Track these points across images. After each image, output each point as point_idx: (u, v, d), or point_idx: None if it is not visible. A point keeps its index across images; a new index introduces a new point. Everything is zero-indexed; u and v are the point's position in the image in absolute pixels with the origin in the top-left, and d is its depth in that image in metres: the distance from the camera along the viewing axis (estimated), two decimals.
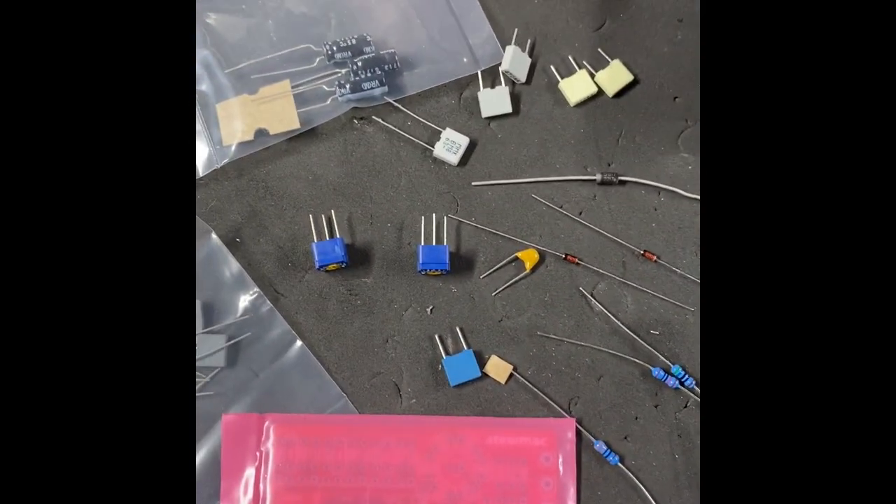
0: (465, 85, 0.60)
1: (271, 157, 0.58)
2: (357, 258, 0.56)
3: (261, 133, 0.57)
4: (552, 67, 0.60)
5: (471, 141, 0.58)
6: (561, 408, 0.54)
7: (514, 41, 0.59)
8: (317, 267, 0.55)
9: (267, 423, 0.53)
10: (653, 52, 0.61)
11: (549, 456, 0.53)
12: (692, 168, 0.58)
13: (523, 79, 0.60)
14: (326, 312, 0.56)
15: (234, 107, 0.57)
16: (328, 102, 0.58)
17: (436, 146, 0.57)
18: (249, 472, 0.52)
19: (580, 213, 0.57)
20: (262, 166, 0.58)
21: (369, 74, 0.57)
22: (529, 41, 0.60)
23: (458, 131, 0.58)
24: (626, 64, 0.60)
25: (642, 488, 0.53)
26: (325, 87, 0.58)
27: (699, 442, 0.54)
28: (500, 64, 0.59)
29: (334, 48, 0.58)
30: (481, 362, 0.55)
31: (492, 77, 0.59)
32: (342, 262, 0.55)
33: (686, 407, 0.54)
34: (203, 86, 0.58)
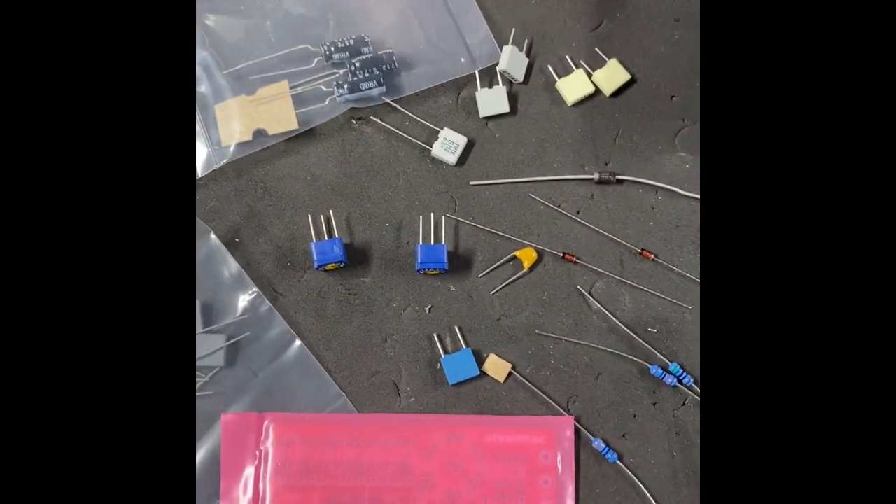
0: (463, 85, 0.60)
1: (270, 157, 0.58)
2: (356, 258, 0.57)
3: (259, 133, 0.57)
4: (549, 67, 0.60)
5: (469, 140, 0.58)
6: (559, 406, 0.54)
7: (511, 41, 0.60)
8: (315, 267, 0.55)
9: (266, 423, 0.53)
10: (650, 52, 0.61)
11: (548, 454, 0.53)
12: (689, 167, 0.59)
13: (521, 78, 0.60)
14: (325, 312, 0.56)
15: (232, 107, 0.57)
16: (326, 103, 0.58)
17: (434, 146, 0.58)
18: (249, 472, 0.52)
19: (578, 212, 0.58)
20: (261, 167, 0.58)
21: (367, 75, 0.58)
22: (527, 41, 0.61)
23: (456, 131, 0.58)
24: (623, 63, 0.60)
25: (641, 486, 0.53)
26: (323, 87, 0.58)
27: (697, 440, 0.54)
28: (497, 64, 0.59)
29: (332, 49, 0.58)
30: (480, 361, 0.55)
31: (489, 77, 0.60)
32: (341, 262, 0.55)
33: (684, 405, 0.55)
34: (201, 87, 0.58)
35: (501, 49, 0.59)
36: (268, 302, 0.55)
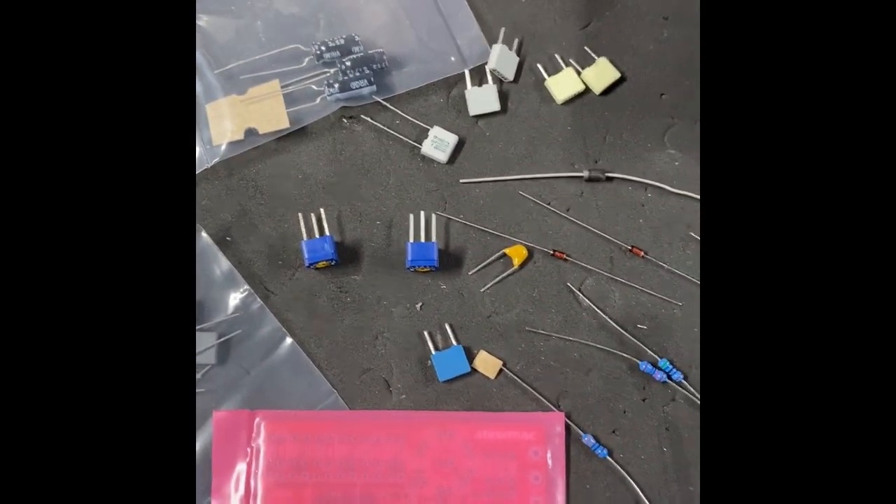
0: (454, 83, 0.60)
1: (261, 156, 0.58)
2: (347, 256, 0.57)
3: (250, 133, 0.58)
4: (539, 66, 0.60)
5: (459, 139, 0.59)
6: (549, 402, 0.55)
7: (500, 40, 0.60)
8: (306, 265, 0.55)
9: (258, 420, 0.53)
10: (639, 50, 0.61)
11: (538, 450, 0.53)
12: (679, 164, 0.59)
13: (511, 77, 0.60)
14: (316, 310, 0.56)
15: (223, 107, 0.57)
16: (317, 102, 0.58)
17: (423, 144, 0.58)
18: (240, 469, 0.53)
19: (568, 210, 0.58)
20: (252, 166, 0.58)
21: (358, 74, 0.58)
22: (517, 40, 0.61)
23: (447, 129, 0.59)
24: (612, 62, 0.60)
25: (631, 481, 0.53)
26: (313, 86, 0.58)
27: (687, 435, 0.54)
28: (487, 63, 0.60)
29: (323, 48, 0.58)
30: (470, 358, 0.55)
31: (480, 76, 0.60)
32: (332, 260, 0.55)
33: (674, 400, 0.55)
34: None
35: (491, 48, 0.60)
36: (259, 300, 0.55)
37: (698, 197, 0.58)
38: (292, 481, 0.52)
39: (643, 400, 0.55)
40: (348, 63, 0.58)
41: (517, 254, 0.56)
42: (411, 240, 0.56)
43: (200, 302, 0.55)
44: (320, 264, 0.56)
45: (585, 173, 0.58)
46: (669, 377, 0.55)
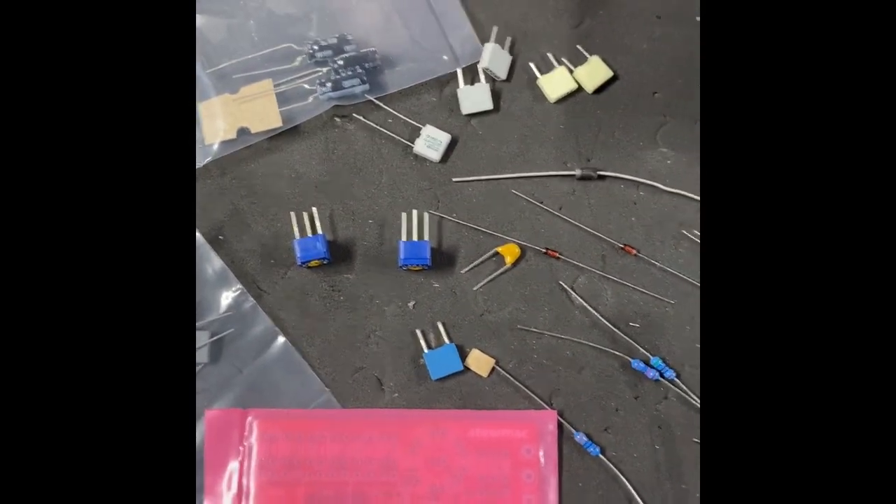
0: (446, 82, 0.60)
1: (253, 155, 0.59)
2: (339, 255, 0.57)
3: (243, 132, 0.58)
4: (532, 65, 0.60)
5: (452, 138, 0.59)
6: (542, 400, 0.55)
7: (493, 39, 0.60)
8: (299, 263, 0.55)
9: (250, 419, 0.53)
10: (632, 49, 0.61)
11: (531, 448, 0.53)
12: (671, 163, 0.59)
13: (504, 76, 0.60)
14: (309, 308, 0.56)
15: (216, 106, 0.58)
16: (310, 101, 0.58)
17: (416, 143, 0.58)
18: (233, 467, 0.53)
19: (560, 208, 0.58)
20: (245, 165, 0.58)
21: (350, 73, 0.58)
22: (509, 39, 0.61)
23: (440, 128, 0.59)
24: (605, 60, 0.60)
25: (623, 479, 0.53)
26: (306, 85, 0.59)
27: (679, 433, 0.54)
28: (480, 61, 0.60)
29: (315, 47, 0.59)
30: (463, 356, 0.55)
31: (473, 75, 0.60)
32: (324, 259, 0.56)
33: (666, 399, 0.55)
34: None
35: (483, 47, 0.60)
36: (252, 299, 0.55)
37: (691, 195, 0.58)
38: (285, 480, 0.52)
39: (635, 398, 0.55)
40: (341, 62, 0.58)
41: (510, 252, 0.57)
42: (403, 238, 0.56)
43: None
44: (312, 263, 0.56)
45: (578, 172, 0.58)
46: (662, 375, 0.55)
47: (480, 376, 0.55)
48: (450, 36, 0.60)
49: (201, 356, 0.54)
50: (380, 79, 0.59)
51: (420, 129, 0.58)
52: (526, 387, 0.55)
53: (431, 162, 0.59)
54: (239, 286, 0.56)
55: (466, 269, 0.57)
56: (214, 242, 0.56)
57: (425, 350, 0.55)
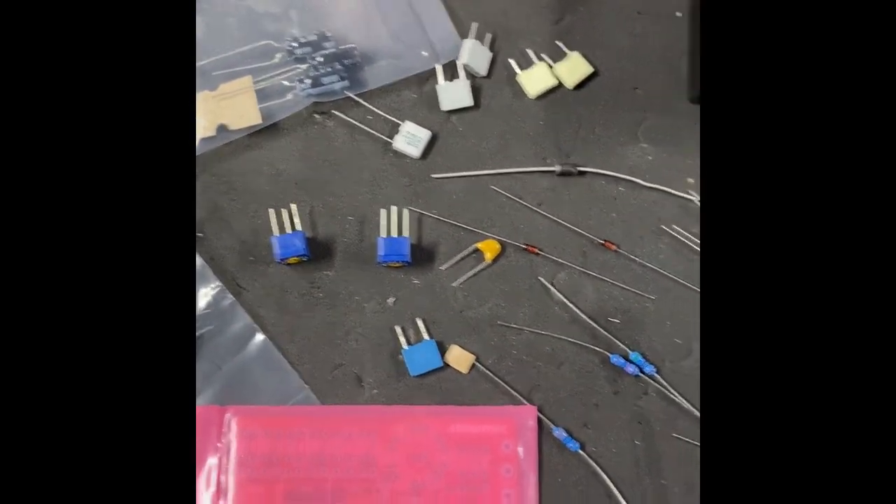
0: (426, 79, 0.60)
1: (233, 152, 0.58)
2: (319, 252, 0.57)
3: (222, 129, 0.58)
4: (511, 61, 0.60)
5: (432, 134, 0.59)
6: (522, 396, 0.55)
7: (473, 35, 0.60)
8: (277, 260, 0.55)
9: (228, 416, 0.53)
10: (612, 45, 0.61)
11: (510, 443, 0.53)
12: (652, 158, 0.59)
13: (484, 72, 0.60)
14: (288, 305, 0.56)
15: (195, 103, 0.57)
16: (289, 97, 0.58)
17: (395, 139, 0.58)
18: (211, 464, 0.53)
19: (540, 204, 0.58)
20: (224, 162, 0.58)
21: (330, 69, 0.58)
22: (490, 35, 0.61)
23: (420, 125, 0.59)
24: (585, 56, 0.60)
25: (602, 475, 0.53)
26: (285, 82, 0.59)
27: (659, 428, 0.54)
28: (459, 58, 0.60)
29: (295, 44, 0.59)
30: (443, 353, 0.55)
31: (453, 71, 0.60)
32: (303, 256, 0.55)
33: (646, 394, 0.55)
34: None
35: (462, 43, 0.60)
36: (231, 296, 0.55)
37: (671, 191, 0.58)
38: (263, 477, 0.52)
39: (615, 393, 0.55)
40: (320, 59, 0.58)
41: (489, 248, 0.57)
42: (382, 234, 0.56)
43: None
44: (291, 260, 0.56)
45: (558, 168, 0.58)
46: (641, 370, 0.55)
47: (460, 372, 0.55)
48: (429, 32, 0.60)
49: None
50: (359, 75, 0.59)
51: (400, 125, 0.58)
52: (505, 383, 0.55)
53: (411, 158, 0.59)
54: (218, 283, 0.55)
55: (446, 265, 0.57)
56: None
57: (405, 346, 0.55)
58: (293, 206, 0.56)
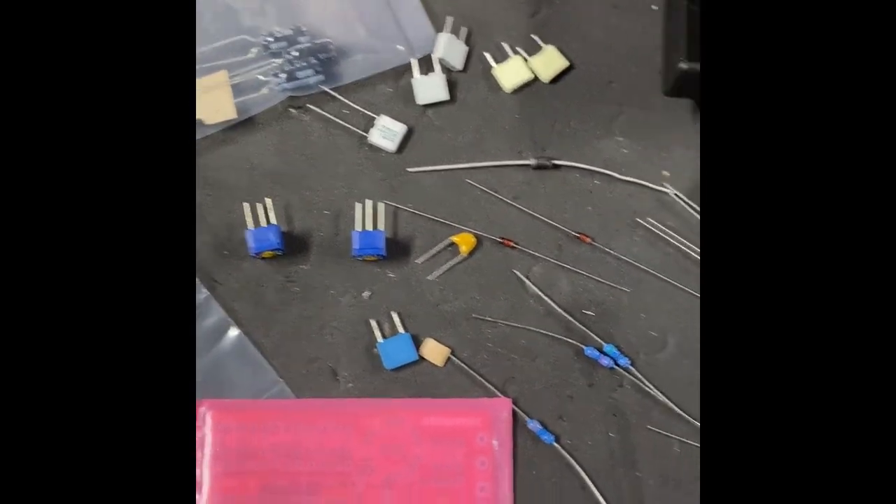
0: (402, 73, 0.60)
1: (208, 146, 0.58)
2: (294, 246, 0.57)
3: (198, 123, 0.57)
4: (486, 54, 0.60)
5: (408, 128, 0.59)
6: (496, 389, 0.55)
7: (448, 29, 0.60)
8: (252, 254, 0.55)
9: (203, 409, 0.53)
10: (588, 38, 0.61)
11: (485, 436, 0.53)
12: (627, 152, 0.59)
13: (459, 66, 0.60)
14: (264, 300, 0.56)
15: None
16: (264, 92, 0.58)
17: (370, 133, 0.58)
18: None
19: (515, 198, 0.58)
20: (199, 156, 0.58)
21: (305, 64, 0.58)
22: (465, 29, 0.61)
23: (396, 119, 0.59)
24: (561, 50, 0.61)
25: (577, 467, 0.53)
26: (261, 76, 0.58)
27: (634, 421, 0.54)
28: (434, 52, 0.60)
29: (270, 39, 0.59)
30: (418, 346, 0.55)
31: (429, 65, 0.60)
32: (278, 250, 0.55)
33: (621, 386, 0.55)
34: None
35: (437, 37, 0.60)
36: (205, 290, 0.55)
37: (646, 184, 0.58)
38: (238, 470, 0.52)
39: (590, 386, 0.55)
40: (296, 53, 0.58)
41: (465, 242, 0.57)
42: (357, 228, 0.56)
43: None
44: (266, 254, 0.56)
45: (533, 161, 0.58)
46: (616, 363, 0.55)
47: (435, 366, 0.55)
48: (405, 26, 0.60)
49: None
50: (335, 70, 0.59)
51: (375, 119, 0.58)
52: (480, 375, 0.55)
53: (387, 152, 0.59)
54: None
55: (422, 258, 0.57)
56: None
57: (380, 340, 0.55)
58: (268, 201, 0.56)
